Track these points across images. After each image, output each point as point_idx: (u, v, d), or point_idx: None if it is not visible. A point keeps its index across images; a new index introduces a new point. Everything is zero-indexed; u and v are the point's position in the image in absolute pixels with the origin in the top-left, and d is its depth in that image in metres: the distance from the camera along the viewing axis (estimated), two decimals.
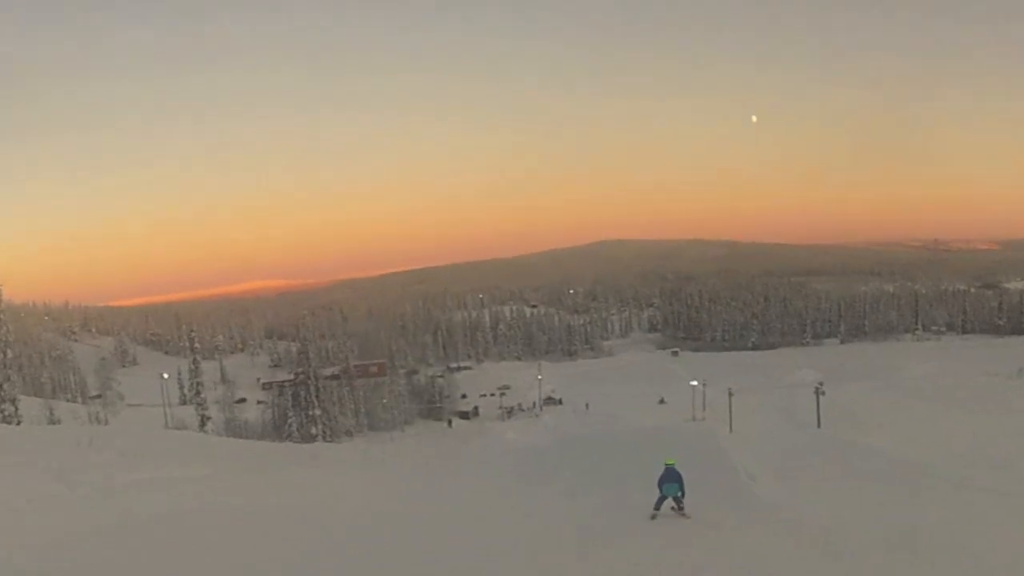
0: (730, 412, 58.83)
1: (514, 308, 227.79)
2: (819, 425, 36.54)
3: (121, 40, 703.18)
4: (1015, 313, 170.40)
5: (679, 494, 17.64)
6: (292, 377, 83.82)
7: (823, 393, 39.18)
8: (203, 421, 61.51)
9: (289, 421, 72.67)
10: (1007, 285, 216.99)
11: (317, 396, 73.16)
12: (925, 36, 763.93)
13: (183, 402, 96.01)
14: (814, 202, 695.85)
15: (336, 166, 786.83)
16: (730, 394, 61.98)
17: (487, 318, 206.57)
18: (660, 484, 17.80)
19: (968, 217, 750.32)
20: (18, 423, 45.41)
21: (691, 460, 20.93)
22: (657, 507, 17.81)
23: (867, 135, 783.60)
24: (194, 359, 65.03)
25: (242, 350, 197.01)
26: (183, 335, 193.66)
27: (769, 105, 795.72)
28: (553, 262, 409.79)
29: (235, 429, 68.54)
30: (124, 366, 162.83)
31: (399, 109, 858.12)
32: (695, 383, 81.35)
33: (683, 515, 17.56)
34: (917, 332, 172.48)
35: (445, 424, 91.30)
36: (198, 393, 62.21)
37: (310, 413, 72.17)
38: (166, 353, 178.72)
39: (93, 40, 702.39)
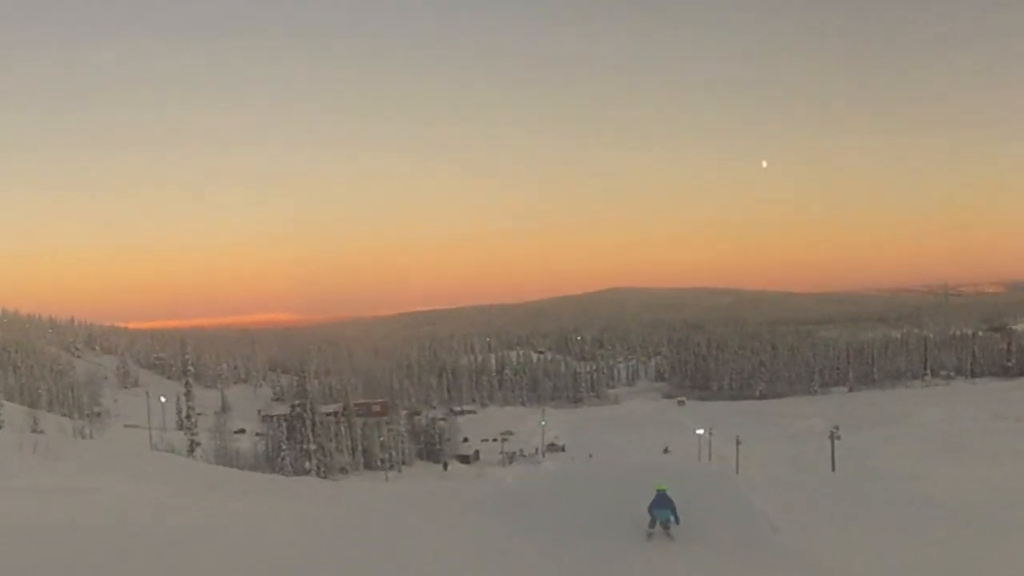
0: (737, 459, 56.96)
1: (521, 353, 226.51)
2: (833, 469, 34.52)
3: (145, 62, 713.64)
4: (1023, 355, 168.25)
5: (671, 519, 16.96)
6: (289, 409, 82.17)
7: (838, 438, 36.83)
8: (192, 446, 59.97)
9: (283, 453, 70.87)
10: (1015, 327, 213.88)
11: (313, 430, 71.51)
12: (929, 85, 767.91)
13: (180, 427, 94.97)
14: (822, 249, 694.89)
15: (350, 205, 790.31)
16: (737, 442, 60.07)
17: (493, 362, 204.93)
18: (651, 510, 17.13)
19: (974, 261, 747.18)
20: None
21: (700, 499, 19.25)
22: (652, 525, 17.06)
23: (873, 182, 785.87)
24: (187, 382, 63.66)
25: (245, 381, 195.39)
26: (187, 360, 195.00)
27: (777, 152, 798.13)
28: (561, 308, 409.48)
29: (226, 457, 66.69)
30: (126, 387, 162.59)
31: (413, 152, 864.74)
32: (700, 431, 79.25)
33: (669, 536, 16.79)
34: (926, 378, 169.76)
35: (441, 467, 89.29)
36: (188, 417, 60.64)
37: (304, 447, 70.49)
38: (168, 377, 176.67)
39: (129, 60, 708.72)
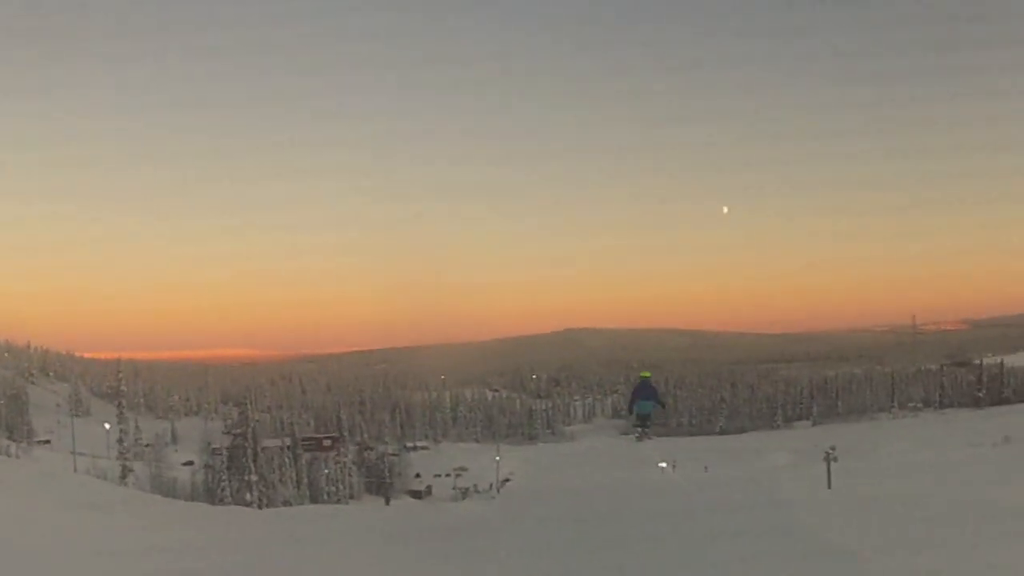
0: None
1: (476, 390, 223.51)
2: (829, 487, 31.75)
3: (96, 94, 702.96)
4: (994, 384, 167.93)
5: (657, 407, 16.01)
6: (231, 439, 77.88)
7: (835, 460, 33.72)
8: (124, 473, 56.07)
9: (222, 484, 66.88)
10: (978, 361, 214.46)
11: (255, 461, 67.64)
12: (878, 125, 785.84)
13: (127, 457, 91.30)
14: (783, 291, 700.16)
15: (307, 242, 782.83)
16: (705, 469, 57.55)
17: (447, 399, 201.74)
18: (633, 401, 16.10)
19: (935, 299, 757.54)
20: None
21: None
22: (642, 425, 16.13)
23: (834, 224, 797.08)
24: (120, 403, 59.82)
25: (197, 413, 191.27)
26: (138, 391, 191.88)
27: (736, 193, 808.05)
28: (518, 348, 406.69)
29: (161, 487, 62.71)
30: (77, 415, 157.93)
31: (372, 189, 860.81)
32: (663, 464, 76.85)
33: (648, 437, 16.00)
34: (893, 410, 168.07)
35: (395, 502, 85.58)
36: (120, 441, 56.77)
37: (245, 478, 66.54)
38: (119, 406, 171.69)
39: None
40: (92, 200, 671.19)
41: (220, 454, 78.93)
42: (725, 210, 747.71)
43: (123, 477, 55.54)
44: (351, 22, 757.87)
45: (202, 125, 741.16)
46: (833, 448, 33.81)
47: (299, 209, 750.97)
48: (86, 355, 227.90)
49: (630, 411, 15.87)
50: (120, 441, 57.37)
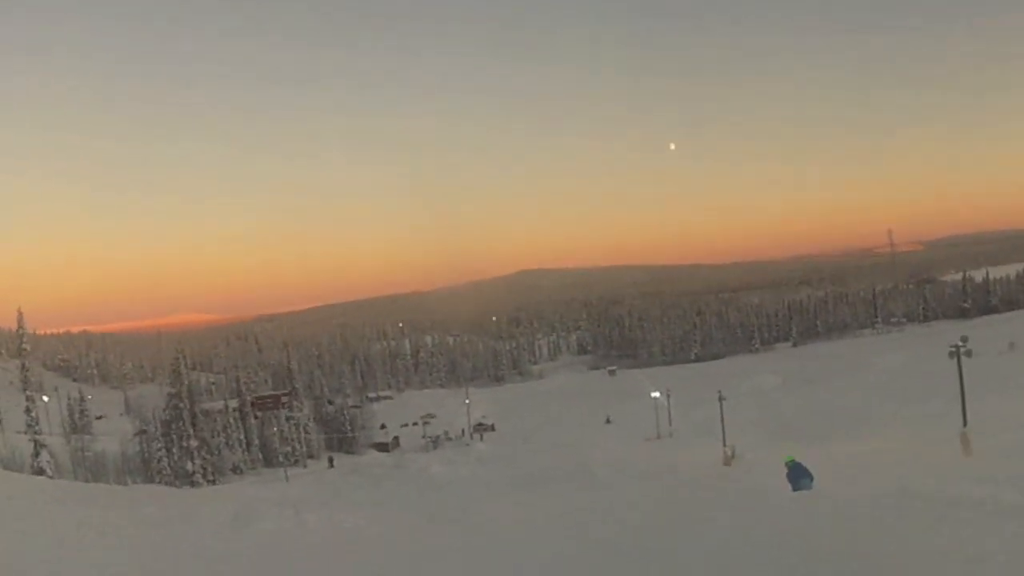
0: (723, 425, 47.46)
1: (435, 337, 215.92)
2: (965, 423, 23.98)
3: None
4: (980, 294, 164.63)
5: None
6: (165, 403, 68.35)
7: (967, 354, 25.02)
8: (37, 450, 47.35)
9: (159, 455, 58.13)
10: (944, 279, 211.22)
11: (194, 425, 58.91)
12: (844, 45, 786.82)
13: (74, 430, 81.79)
14: (730, 221, 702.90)
15: (264, 204, 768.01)
16: (721, 398, 50.11)
17: (407, 347, 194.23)
18: (794, 481, 15.97)
19: (886, 224, 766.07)
20: None
21: None
22: None
23: (781, 151, 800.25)
24: (23, 365, 50.51)
25: (152, 380, 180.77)
26: (90, 362, 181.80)
27: (682, 129, 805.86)
28: (473, 293, 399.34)
29: (84, 463, 53.89)
30: (28, 391, 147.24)
31: (320, 147, 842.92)
32: (656, 394, 69.78)
33: None
34: (877, 325, 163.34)
35: (359, 456, 77.16)
36: (28, 411, 47.90)
37: (184, 445, 57.86)
38: (74, 380, 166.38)
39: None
40: (35, 175, 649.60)
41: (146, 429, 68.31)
42: (672, 147, 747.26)
43: (35, 455, 46.75)
44: None
45: (143, 95, 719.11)
46: (965, 340, 26.15)
47: (246, 170, 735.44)
48: (39, 332, 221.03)
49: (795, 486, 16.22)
50: (28, 411, 48.03)
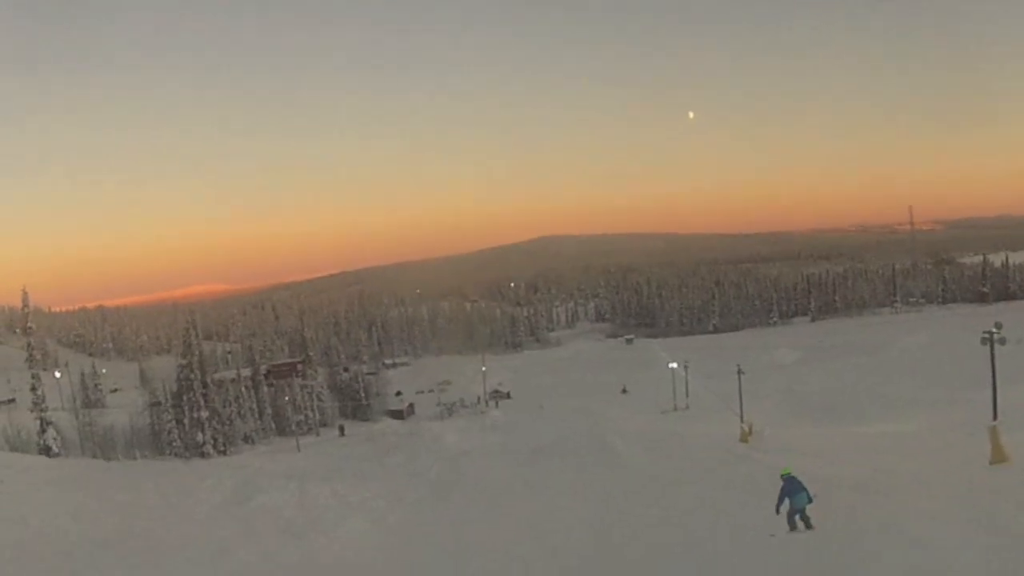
0: (740, 400, 46.28)
1: (453, 303, 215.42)
2: (995, 416, 22.73)
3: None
4: (999, 279, 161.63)
5: (809, 503, 15.02)
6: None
7: (1001, 341, 23.49)
8: (43, 427, 46.90)
9: (168, 427, 57.69)
10: (962, 260, 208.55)
11: (205, 396, 58.39)
12: (864, 22, 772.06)
13: (87, 405, 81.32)
14: (748, 192, 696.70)
15: (279, 174, 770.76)
16: (740, 372, 48.89)
17: (425, 313, 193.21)
18: (787, 501, 15.06)
19: (907, 200, 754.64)
20: None
21: None
22: (793, 519, 15.08)
23: (803, 125, 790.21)
24: (29, 343, 49.91)
25: (168, 351, 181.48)
26: (106, 335, 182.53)
27: (701, 97, 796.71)
28: (491, 259, 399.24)
29: (92, 437, 53.46)
30: (45, 369, 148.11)
31: (334, 120, 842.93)
32: (674, 365, 68.55)
33: (810, 528, 14.88)
34: (896, 304, 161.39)
35: (372, 424, 76.04)
36: (34, 389, 47.37)
37: (195, 415, 57.38)
38: (90, 355, 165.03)
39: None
40: (51, 158, 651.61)
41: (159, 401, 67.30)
42: (691, 115, 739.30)
43: (42, 431, 46.28)
44: None
45: (157, 75, 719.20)
46: (1000, 326, 24.57)
47: (262, 141, 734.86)
48: (55, 309, 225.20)
49: (777, 511, 15.12)
50: (34, 388, 47.45)
